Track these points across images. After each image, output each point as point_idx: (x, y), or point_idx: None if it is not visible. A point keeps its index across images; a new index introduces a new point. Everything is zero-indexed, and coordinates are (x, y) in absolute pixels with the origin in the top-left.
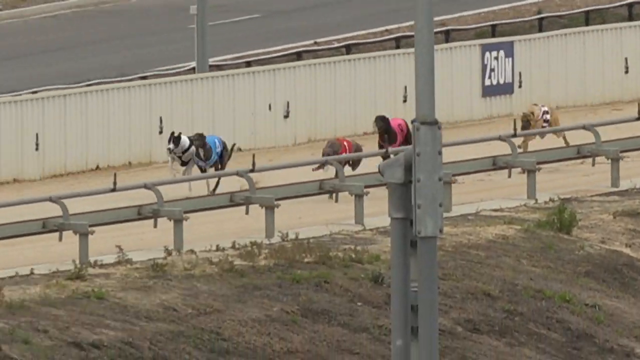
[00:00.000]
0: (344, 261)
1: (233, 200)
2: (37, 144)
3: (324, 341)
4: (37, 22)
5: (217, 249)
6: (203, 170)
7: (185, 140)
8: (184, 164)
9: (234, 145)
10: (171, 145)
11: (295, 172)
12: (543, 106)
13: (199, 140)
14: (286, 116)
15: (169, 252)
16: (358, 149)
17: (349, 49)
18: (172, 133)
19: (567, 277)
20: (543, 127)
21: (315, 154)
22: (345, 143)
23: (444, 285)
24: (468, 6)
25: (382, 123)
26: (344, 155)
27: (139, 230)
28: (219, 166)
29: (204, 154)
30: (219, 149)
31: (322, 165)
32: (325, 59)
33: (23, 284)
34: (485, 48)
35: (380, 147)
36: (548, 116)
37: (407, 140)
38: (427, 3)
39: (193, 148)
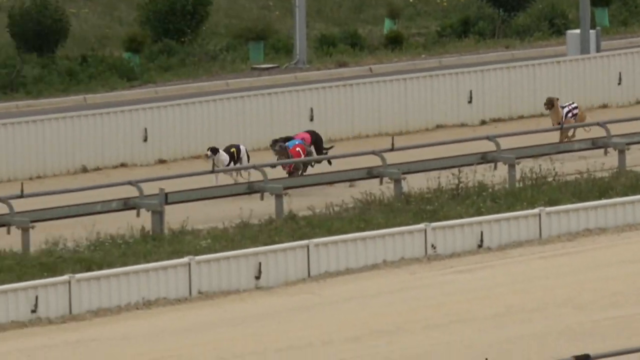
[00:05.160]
0: None
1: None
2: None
3: None
4: None
5: None
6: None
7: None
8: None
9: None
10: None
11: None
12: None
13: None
14: None
15: None
16: (309, 153)
17: None
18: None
19: None
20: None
21: None
22: (298, 148)
23: None
24: None
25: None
26: (298, 159)
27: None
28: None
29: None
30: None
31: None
32: None
33: None
34: None
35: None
36: (575, 111)
37: (317, 147)
38: None
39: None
